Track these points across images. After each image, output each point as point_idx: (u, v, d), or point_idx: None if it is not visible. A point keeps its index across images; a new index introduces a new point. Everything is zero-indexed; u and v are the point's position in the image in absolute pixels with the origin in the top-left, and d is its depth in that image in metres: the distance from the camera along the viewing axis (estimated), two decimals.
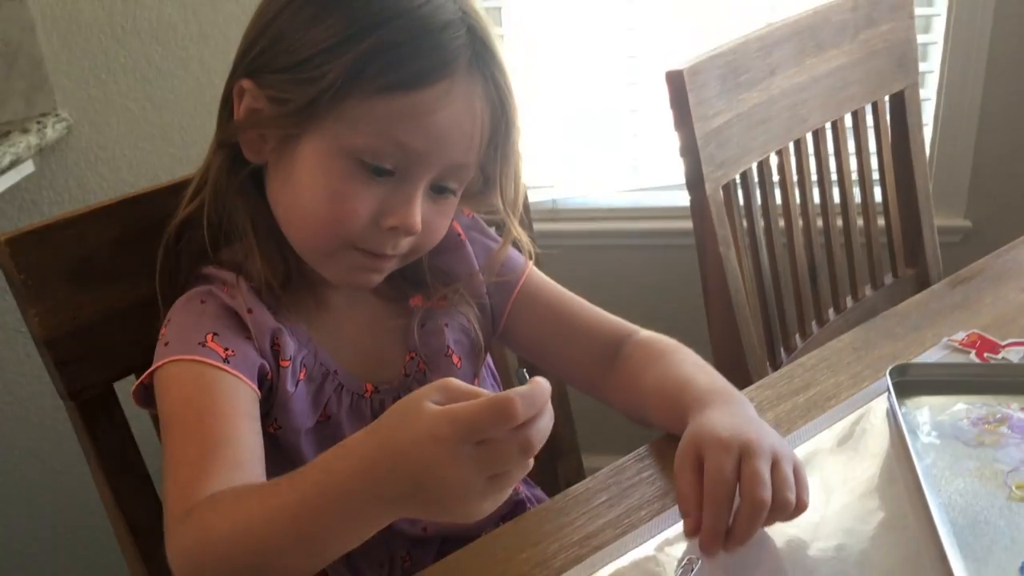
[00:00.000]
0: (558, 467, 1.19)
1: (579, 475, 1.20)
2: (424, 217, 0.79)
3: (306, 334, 0.84)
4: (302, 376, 0.83)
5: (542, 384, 0.58)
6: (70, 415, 0.88)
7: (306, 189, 0.78)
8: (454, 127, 0.76)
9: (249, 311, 0.80)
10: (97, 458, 0.88)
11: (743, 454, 0.68)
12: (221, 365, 0.76)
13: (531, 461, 0.59)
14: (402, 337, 0.89)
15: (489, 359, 0.96)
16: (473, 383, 0.89)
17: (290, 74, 0.75)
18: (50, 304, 0.84)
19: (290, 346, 0.81)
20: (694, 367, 0.84)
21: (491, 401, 0.56)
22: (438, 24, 0.74)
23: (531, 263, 0.95)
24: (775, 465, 0.68)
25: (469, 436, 0.56)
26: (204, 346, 0.76)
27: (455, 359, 0.90)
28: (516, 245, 0.92)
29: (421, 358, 0.89)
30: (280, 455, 0.82)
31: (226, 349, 0.77)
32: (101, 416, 0.88)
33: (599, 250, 1.89)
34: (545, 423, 0.58)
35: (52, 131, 1.61)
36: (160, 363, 0.77)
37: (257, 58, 0.78)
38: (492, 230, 0.96)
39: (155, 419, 0.90)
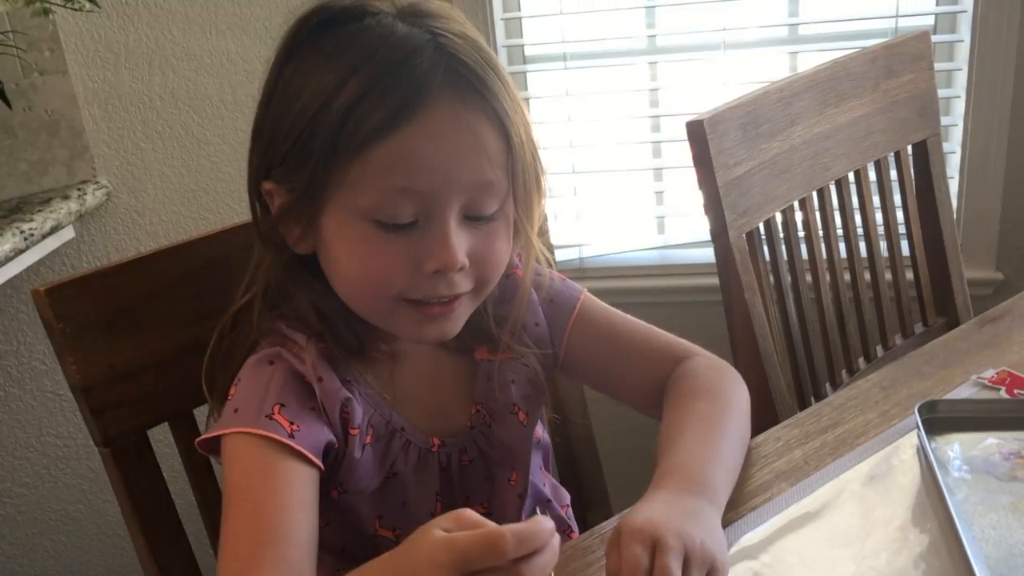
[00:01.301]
0: (588, 518, 1.19)
1: None
2: (472, 248, 0.77)
3: (374, 394, 0.84)
4: (368, 439, 0.82)
5: (540, 523, 0.58)
6: (104, 463, 0.89)
7: (342, 262, 0.78)
8: (452, 152, 0.74)
9: (319, 379, 0.79)
10: (131, 505, 0.89)
11: (656, 547, 0.66)
12: (286, 440, 0.75)
13: None
14: (468, 388, 0.89)
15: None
16: (534, 435, 0.90)
17: (289, 161, 0.76)
18: (86, 353, 0.86)
19: (358, 412, 0.81)
20: (699, 425, 0.81)
21: (483, 534, 0.58)
22: (403, 56, 0.73)
23: (585, 290, 0.95)
24: (686, 564, 0.66)
25: (463, 566, 0.58)
26: (271, 419, 0.76)
27: (521, 416, 0.89)
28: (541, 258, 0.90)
29: (486, 411, 0.88)
30: (341, 516, 0.83)
31: (291, 423, 0.76)
32: (135, 463, 0.89)
33: (626, 307, 1.88)
34: (544, 560, 0.58)
35: (92, 197, 1.66)
36: (227, 431, 0.77)
37: (264, 158, 0.79)
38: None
39: (191, 463, 0.92)
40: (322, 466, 0.78)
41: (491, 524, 0.59)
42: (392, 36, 0.74)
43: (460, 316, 0.81)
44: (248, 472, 0.76)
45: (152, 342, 0.89)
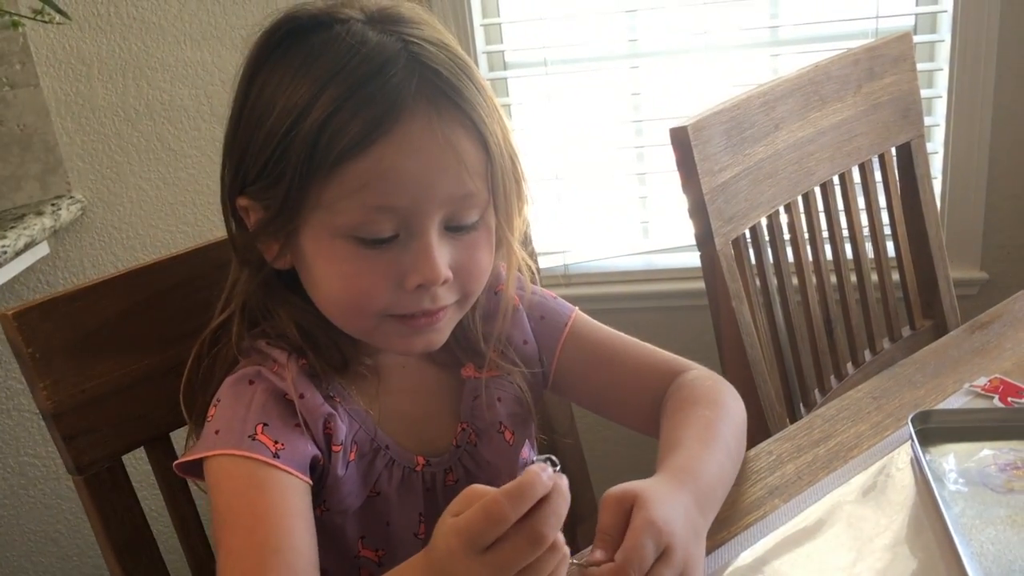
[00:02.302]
0: (577, 532, 1.17)
1: None
2: (455, 260, 0.76)
3: (360, 410, 0.82)
4: (352, 456, 0.81)
5: (533, 474, 0.56)
6: (78, 490, 0.86)
7: (322, 280, 0.77)
8: (430, 165, 0.72)
9: (301, 396, 0.77)
10: (105, 533, 0.86)
11: (664, 555, 0.65)
12: (271, 461, 0.74)
13: (563, 550, 0.58)
14: (454, 406, 0.87)
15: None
16: (520, 454, 0.88)
17: (263, 178, 0.75)
18: (57, 377, 0.83)
19: (342, 429, 0.79)
20: (704, 432, 0.80)
21: (480, 507, 0.56)
22: (375, 68, 0.71)
23: (577, 309, 0.93)
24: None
25: (474, 544, 0.56)
26: (254, 439, 0.74)
27: (507, 435, 0.87)
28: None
29: (472, 430, 0.86)
30: (324, 537, 0.80)
31: (276, 442, 0.75)
32: (110, 490, 0.86)
33: (612, 313, 1.86)
34: (553, 507, 0.56)
35: (67, 212, 1.63)
36: (210, 454, 0.75)
37: (237, 175, 0.77)
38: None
39: (168, 487, 0.89)
40: (309, 481, 0.76)
41: (492, 492, 0.57)
42: (363, 46, 0.72)
43: (445, 327, 0.80)
44: (239, 490, 0.74)
45: (124, 365, 0.87)
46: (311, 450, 0.77)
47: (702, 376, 0.88)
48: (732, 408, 0.85)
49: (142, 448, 0.89)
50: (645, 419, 0.89)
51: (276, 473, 0.74)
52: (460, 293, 0.78)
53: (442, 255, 0.74)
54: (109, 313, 0.86)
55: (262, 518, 0.72)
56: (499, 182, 0.76)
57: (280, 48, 0.75)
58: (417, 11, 0.77)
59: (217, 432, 0.76)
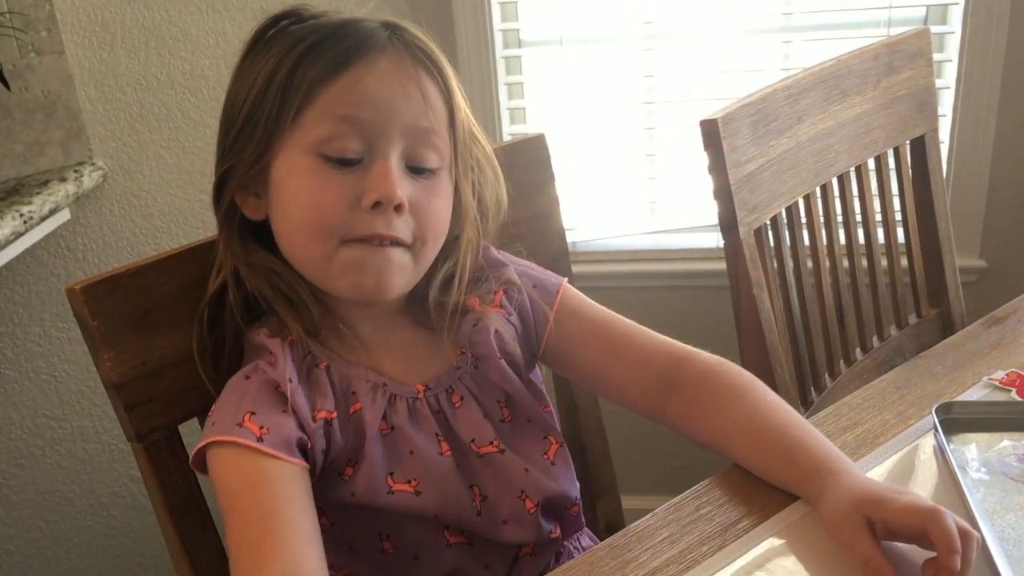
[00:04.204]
0: (597, 507, 1.21)
1: (618, 515, 1.22)
2: (412, 197, 0.81)
3: (346, 361, 0.85)
4: (359, 405, 0.84)
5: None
6: (136, 457, 0.90)
7: (289, 199, 0.82)
8: (394, 88, 0.80)
9: (290, 380, 0.81)
10: (162, 498, 0.90)
11: (928, 520, 0.68)
12: (254, 444, 0.77)
13: None
14: (445, 347, 0.89)
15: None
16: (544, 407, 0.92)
17: (243, 133, 0.82)
18: (120, 350, 0.87)
19: (362, 389, 0.84)
20: (785, 414, 0.83)
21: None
22: (347, 20, 0.83)
23: (565, 281, 0.95)
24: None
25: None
26: (241, 426, 0.78)
27: (506, 367, 0.89)
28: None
29: (472, 355, 0.89)
30: (353, 506, 0.84)
31: (261, 427, 0.78)
32: (167, 456, 0.90)
33: (618, 291, 1.92)
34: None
35: (88, 179, 1.65)
36: (204, 442, 0.80)
37: (222, 147, 0.86)
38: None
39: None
40: (302, 462, 0.79)
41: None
42: (337, 16, 0.84)
43: (397, 270, 0.82)
44: (233, 477, 0.78)
45: (181, 338, 0.90)
46: (297, 432, 0.80)
47: (714, 361, 0.90)
48: (757, 380, 0.89)
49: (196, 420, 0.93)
50: (644, 402, 0.91)
51: (265, 461, 0.77)
52: (414, 236, 0.82)
53: (401, 182, 0.80)
54: (168, 288, 0.89)
55: (257, 508, 0.76)
56: (461, 148, 0.85)
57: (265, 39, 0.84)
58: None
59: (213, 424, 0.81)
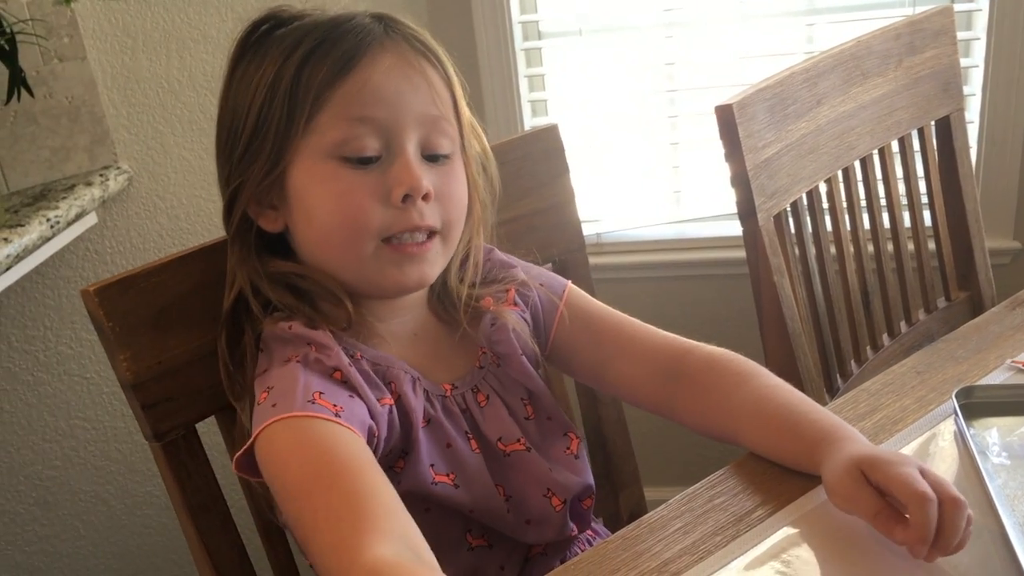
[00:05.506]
0: (620, 498, 1.21)
1: (641, 506, 1.22)
2: (434, 184, 0.82)
3: (380, 353, 0.85)
4: (394, 398, 0.84)
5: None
6: (155, 456, 0.91)
7: (315, 206, 0.82)
8: (401, 82, 0.81)
9: (350, 364, 0.81)
10: (182, 497, 0.91)
11: (913, 503, 0.69)
12: (333, 419, 0.75)
13: None
14: (467, 344, 0.91)
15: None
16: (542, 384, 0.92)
17: (251, 146, 0.82)
18: (136, 350, 0.87)
19: (402, 380, 0.84)
20: (790, 393, 0.84)
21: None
22: (342, 20, 0.83)
23: (570, 283, 0.97)
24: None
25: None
26: (313, 403, 0.76)
27: (527, 363, 0.91)
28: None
29: (493, 353, 0.90)
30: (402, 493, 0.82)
31: (335, 405, 0.77)
32: (185, 455, 0.91)
33: (644, 281, 1.92)
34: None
35: (114, 183, 1.66)
36: (268, 422, 0.76)
37: (227, 161, 0.85)
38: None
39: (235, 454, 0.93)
40: (368, 447, 0.77)
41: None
42: (330, 13, 0.83)
43: (434, 260, 0.85)
44: (309, 452, 0.74)
45: (197, 338, 0.90)
46: (368, 419, 0.79)
47: (716, 351, 0.90)
48: (760, 367, 0.89)
49: (214, 419, 0.94)
50: (650, 396, 0.92)
51: (339, 430, 0.75)
52: (442, 220, 0.84)
53: (422, 171, 0.82)
54: (182, 288, 0.90)
55: (343, 467, 0.72)
56: (466, 136, 0.87)
57: (253, 45, 0.83)
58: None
59: (274, 405, 0.77)
